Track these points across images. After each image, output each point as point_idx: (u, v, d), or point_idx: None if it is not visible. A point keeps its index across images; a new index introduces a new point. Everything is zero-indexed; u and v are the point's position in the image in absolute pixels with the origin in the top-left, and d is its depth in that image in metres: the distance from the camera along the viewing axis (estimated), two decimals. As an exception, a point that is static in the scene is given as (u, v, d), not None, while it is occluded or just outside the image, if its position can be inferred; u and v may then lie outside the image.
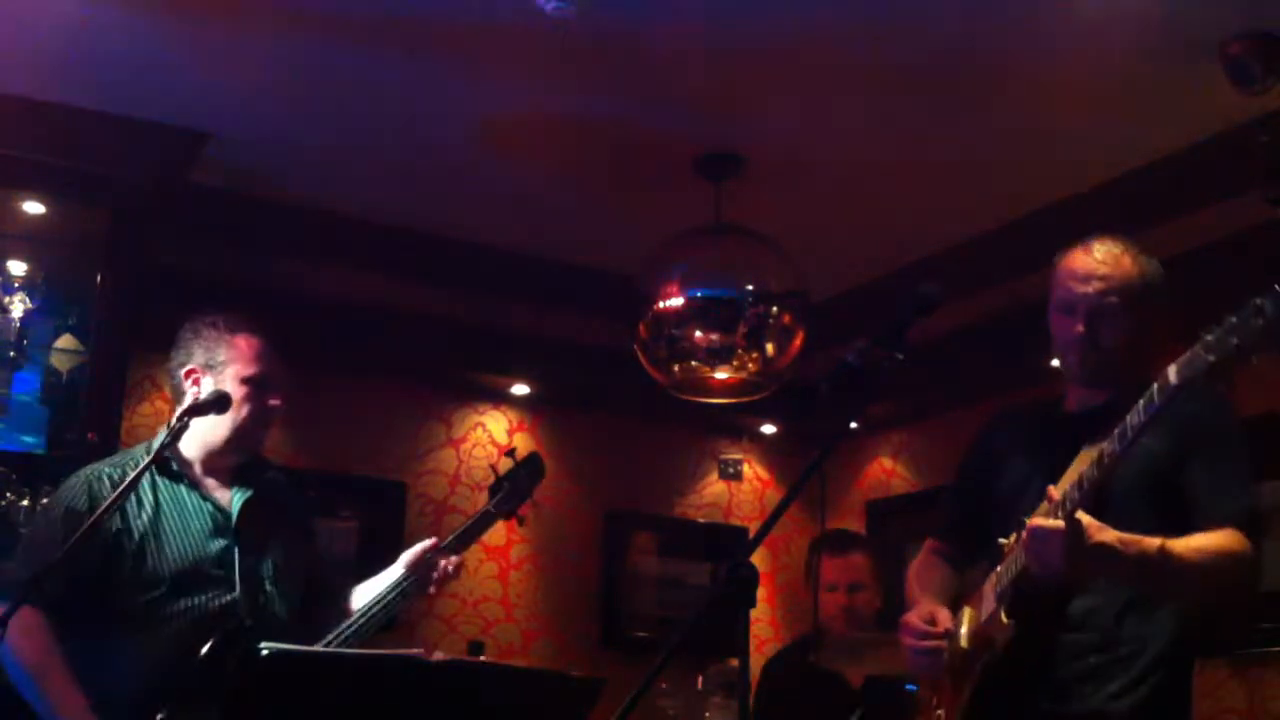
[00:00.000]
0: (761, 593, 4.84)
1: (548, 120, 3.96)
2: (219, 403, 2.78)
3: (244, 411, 2.84)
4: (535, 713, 2.40)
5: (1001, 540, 2.42)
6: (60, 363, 4.06)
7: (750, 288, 4.09)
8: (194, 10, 3.39)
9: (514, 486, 3.21)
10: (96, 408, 3.89)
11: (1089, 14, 3.28)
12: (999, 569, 2.42)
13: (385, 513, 5.31)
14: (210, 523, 2.82)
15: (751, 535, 5.74)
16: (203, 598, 2.73)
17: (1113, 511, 2.26)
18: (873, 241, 4.70)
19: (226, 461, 2.90)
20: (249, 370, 2.84)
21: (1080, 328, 2.45)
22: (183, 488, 2.84)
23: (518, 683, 2.55)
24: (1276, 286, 1.97)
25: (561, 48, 3.51)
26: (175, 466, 2.85)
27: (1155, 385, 2.13)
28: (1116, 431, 2.19)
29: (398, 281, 4.98)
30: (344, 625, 2.86)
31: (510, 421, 5.70)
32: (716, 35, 3.46)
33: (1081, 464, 2.29)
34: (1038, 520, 2.24)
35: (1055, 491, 2.27)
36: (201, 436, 2.85)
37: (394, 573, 2.95)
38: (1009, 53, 3.49)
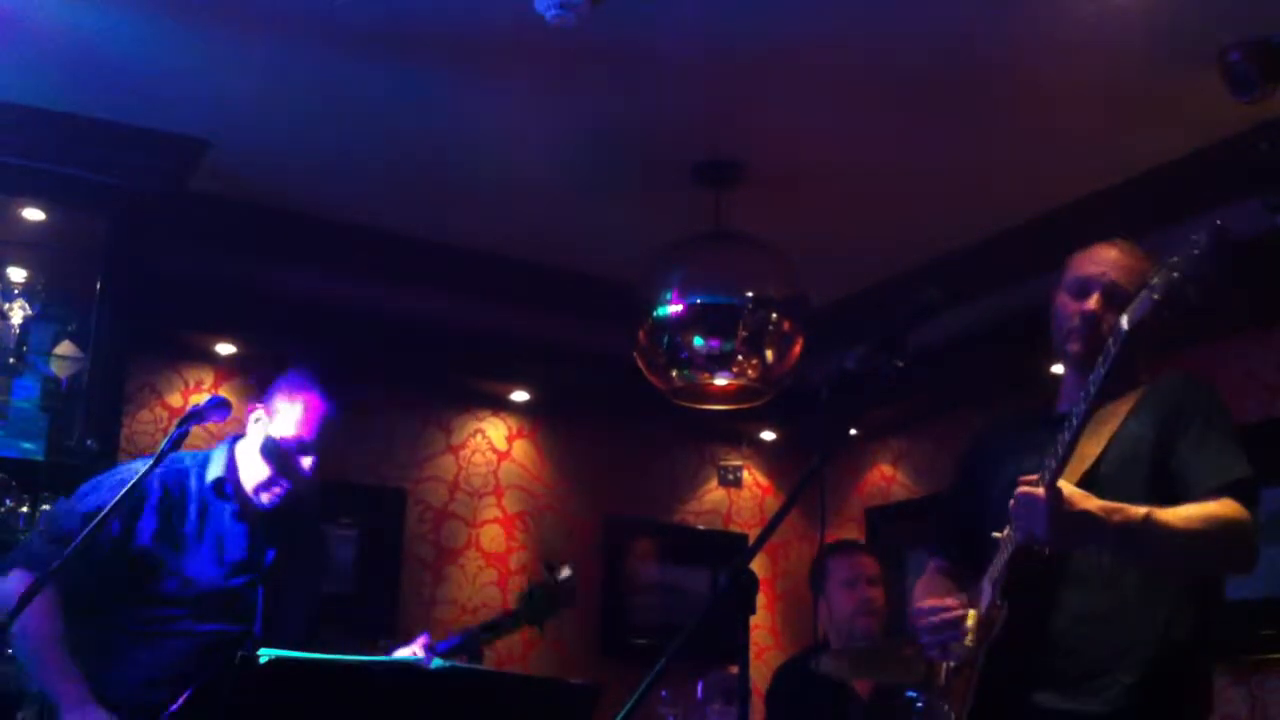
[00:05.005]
0: (761, 599, 4.82)
1: (548, 127, 3.96)
2: (218, 409, 2.79)
3: (273, 463, 2.96)
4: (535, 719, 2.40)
5: (995, 534, 2.42)
6: (60, 369, 4.06)
7: (750, 294, 4.08)
8: (194, 18, 3.39)
9: (547, 600, 3.37)
10: (96, 414, 3.89)
11: (1087, 21, 3.28)
12: (994, 561, 2.42)
13: (385, 519, 5.32)
14: (242, 553, 2.92)
15: (751, 542, 5.76)
16: (219, 626, 2.82)
17: (1106, 499, 2.26)
18: (872, 247, 4.70)
19: (263, 497, 2.99)
20: (290, 432, 2.96)
21: (1091, 305, 2.46)
22: (228, 510, 2.94)
23: (517, 690, 2.56)
24: (1217, 221, 2.09)
25: (562, 55, 3.52)
26: (230, 490, 2.96)
27: (1110, 336, 2.21)
28: (1081, 394, 2.23)
29: (397, 288, 4.98)
30: None
31: (510, 428, 5.70)
32: (717, 42, 3.46)
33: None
34: (1023, 487, 2.25)
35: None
36: (246, 467, 2.98)
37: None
38: (1008, 60, 3.49)
